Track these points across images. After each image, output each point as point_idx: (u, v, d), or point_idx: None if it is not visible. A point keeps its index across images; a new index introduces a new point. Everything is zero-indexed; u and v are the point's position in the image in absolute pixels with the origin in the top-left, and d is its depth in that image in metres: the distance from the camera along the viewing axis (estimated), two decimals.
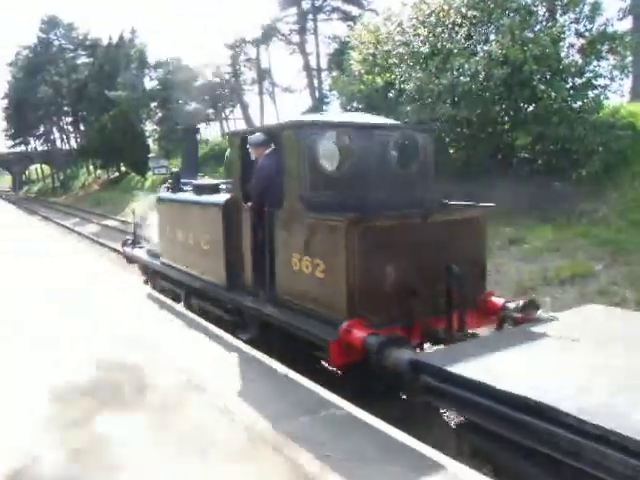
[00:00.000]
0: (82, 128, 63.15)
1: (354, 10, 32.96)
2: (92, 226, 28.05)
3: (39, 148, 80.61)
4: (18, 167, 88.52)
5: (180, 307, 8.25)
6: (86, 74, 55.50)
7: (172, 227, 8.83)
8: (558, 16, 14.61)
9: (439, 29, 15.44)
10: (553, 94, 13.61)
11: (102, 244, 20.21)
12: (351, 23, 28.99)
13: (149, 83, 46.05)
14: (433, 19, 15.66)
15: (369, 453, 3.66)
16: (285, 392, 4.76)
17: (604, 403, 3.23)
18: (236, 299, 6.82)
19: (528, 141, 13.97)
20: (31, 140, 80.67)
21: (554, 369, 3.96)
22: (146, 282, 10.58)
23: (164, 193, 9.69)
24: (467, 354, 4.32)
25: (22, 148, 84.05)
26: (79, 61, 63.32)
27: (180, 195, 8.96)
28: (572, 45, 14.61)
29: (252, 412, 4.35)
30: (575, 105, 14.23)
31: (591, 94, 14.22)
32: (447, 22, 15.37)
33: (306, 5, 33.33)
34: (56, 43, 63.22)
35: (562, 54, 14.19)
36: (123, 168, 49.11)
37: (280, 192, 6.01)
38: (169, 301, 8.57)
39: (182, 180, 9.40)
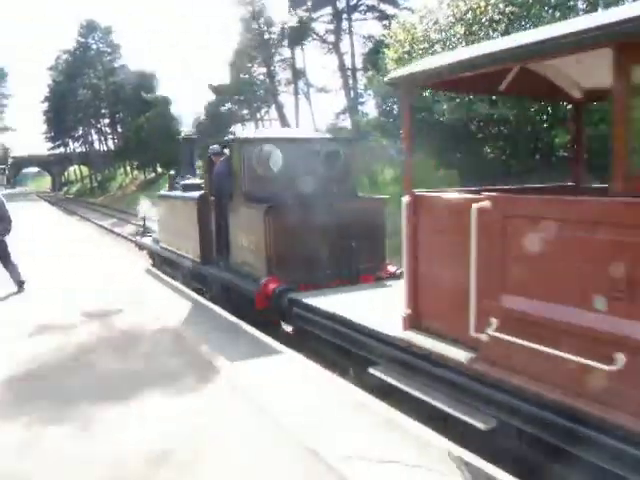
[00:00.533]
0: (119, 130, 64.26)
1: (389, 9, 32.81)
2: (129, 226, 28.44)
3: (77, 150, 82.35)
4: (57, 168, 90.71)
5: (167, 278, 10.82)
6: (123, 76, 56.45)
7: (166, 218, 11.36)
8: (600, 10, 14.25)
9: (476, 26, 15.21)
10: None
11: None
12: (386, 22, 28.88)
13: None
14: (470, 16, 15.42)
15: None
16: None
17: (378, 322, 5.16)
18: (205, 269, 9.23)
19: (567, 139, 13.65)
20: (70, 142, 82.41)
21: (367, 303, 6.02)
22: (153, 265, 12.69)
23: (163, 191, 12.34)
24: (324, 295, 6.55)
25: (61, 150, 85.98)
26: (116, 64, 64.45)
27: (172, 192, 11.28)
28: None
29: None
30: None
31: None
32: (484, 19, 15.12)
33: (341, 4, 33.28)
34: (94, 47, 64.44)
35: None
36: (159, 169, 49.80)
37: (231, 188, 8.21)
38: (160, 274, 11.22)
39: (177, 181, 11.51)
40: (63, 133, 76.99)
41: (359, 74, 34.32)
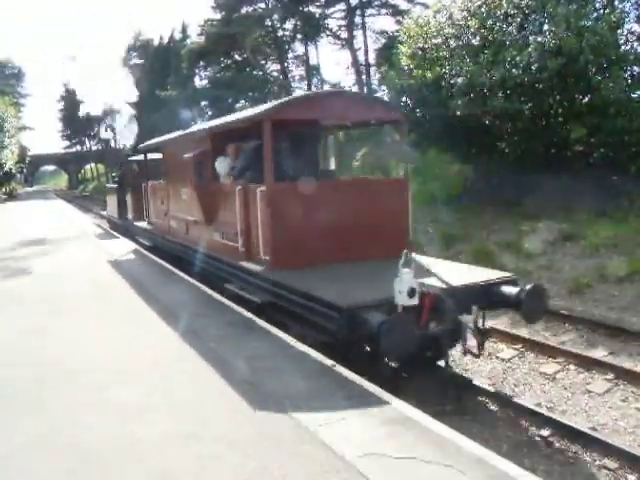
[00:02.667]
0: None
1: (403, 4, 32.69)
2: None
3: (93, 148, 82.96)
4: (74, 167, 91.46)
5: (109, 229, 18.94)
6: (137, 75, 56.78)
7: (108, 197, 21.22)
8: (617, 2, 14.11)
9: (490, 20, 15.14)
10: (610, 84, 13.15)
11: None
12: (400, 18, 28.78)
13: (199, 82, 46.77)
14: (484, 10, 15.36)
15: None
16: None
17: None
18: (120, 221, 17.97)
19: (583, 134, 13.54)
20: (86, 140, 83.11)
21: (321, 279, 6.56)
22: (111, 228, 19.65)
23: (108, 185, 22.12)
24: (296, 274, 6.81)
25: (77, 148, 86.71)
26: (131, 62, 64.84)
27: (109, 185, 21.13)
28: (632, 32, 14.07)
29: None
30: (634, 95, 13.74)
31: None
32: (499, 13, 15.05)
33: (354, 1, 33.21)
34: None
35: (621, 42, 13.70)
36: None
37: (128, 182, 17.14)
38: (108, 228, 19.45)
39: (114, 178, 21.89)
40: (79, 131, 77.67)
41: (372, 70, 34.29)
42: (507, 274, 6.84)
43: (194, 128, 11.31)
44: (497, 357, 8.09)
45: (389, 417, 3.97)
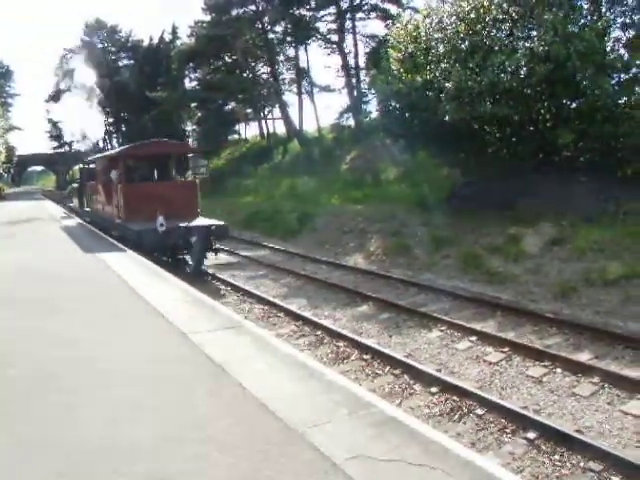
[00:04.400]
0: (123, 129, 64.37)
1: (393, 8, 32.77)
2: None
3: (82, 149, 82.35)
4: (62, 167, 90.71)
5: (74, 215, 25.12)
6: (127, 75, 56.55)
7: (74, 194, 28.69)
8: (604, 9, 14.27)
9: (479, 26, 15.24)
10: (597, 90, 13.29)
11: None
12: (390, 22, 28.86)
13: (189, 83, 46.71)
14: (473, 15, 15.46)
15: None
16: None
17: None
18: (81, 210, 24.39)
19: (571, 139, 13.68)
20: (73, 142, 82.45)
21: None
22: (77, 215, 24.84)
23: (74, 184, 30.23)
24: (132, 223, 14.52)
25: (66, 148, 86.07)
26: (121, 63, 64.53)
27: (74, 184, 29.83)
28: (618, 39, 14.25)
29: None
30: (620, 101, 13.89)
31: (638, 89, 13.85)
32: (488, 18, 15.16)
33: (344, 4, 33.27)
34: (99, 46, 64.52)
35: (607, 49, 13.85)
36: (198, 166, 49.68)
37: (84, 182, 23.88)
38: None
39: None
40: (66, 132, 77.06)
41: (362, 73, 34.39)
42: (222, 222, 15.12)
43: (106, 153, 21.87)
44: (484, 360, 8.15)
45: (377, 419, 4.00)
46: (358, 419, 3.96)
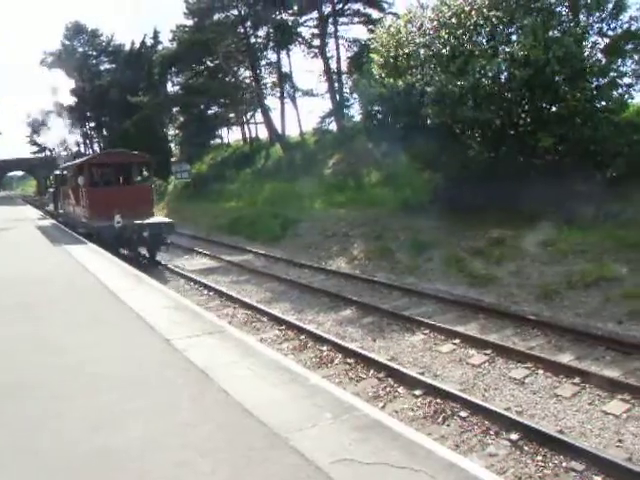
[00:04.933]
0: (105, 133, 63.88)
1: (375, 13, 32.90)
2: None
3: (63, 153, 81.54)
4: (43, 172, 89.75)
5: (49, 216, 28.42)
6: (108, 80, 56.14)
7: (50, 198, 29.33)
8: (582, 16, 14.46)
9: (460, 31, 15.36)
10: (576, 95, 13.45)
11: None
12: (372, 26, 28.97)
13: (171, 88, 46.45)
14: (454, 21, 15.58)
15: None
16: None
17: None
18: (55, 212, 26.01)
19: (551, 142, 13.82)
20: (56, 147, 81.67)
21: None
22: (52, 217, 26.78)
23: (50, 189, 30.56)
24: (96, 220, 17.00)
25: (47, 153, 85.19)
26: (102, 67, 64.04)
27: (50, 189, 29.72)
28: (596, 44, 14.44)
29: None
30: (599, 105, 14.08)
31: (615, 94, 14.05)
32: (468, 23, 15.28)
33: (326, 9, 33.32)
34: (80, 50, 63.96)
35: (585, 54, 14.03)
36: (145, 172, 49.46)
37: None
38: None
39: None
40: (47, 136, 76.27)
41: (345, 77, 34.44)
42: (170, 220, 18.07)
43: (74, 162, 21.87)
44: (467, 363, 8.19)
45: (361, 423, 4.01)
46: (342, 423, 3.96)
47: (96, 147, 68.81)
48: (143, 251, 17.51)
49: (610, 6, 14.07)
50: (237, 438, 3.79)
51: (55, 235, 17.90)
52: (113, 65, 60.91)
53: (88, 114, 64.60)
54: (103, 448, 3.70)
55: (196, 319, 6.91)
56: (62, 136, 52.98)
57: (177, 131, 47.43)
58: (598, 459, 5.34)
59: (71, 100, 55.56)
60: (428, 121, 15.25)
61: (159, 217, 18.44)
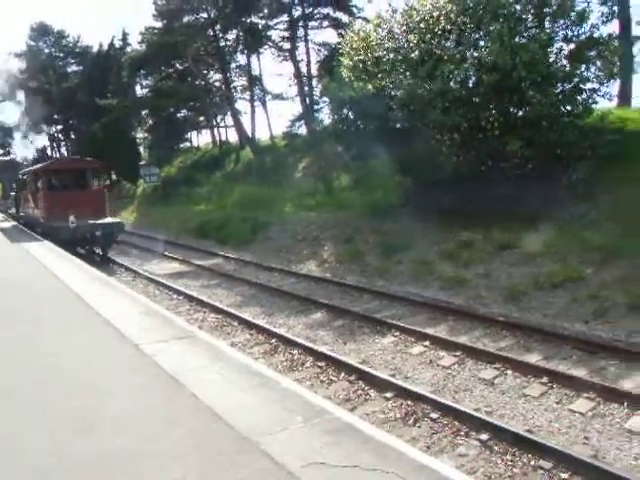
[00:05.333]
0: (72, 136, 62.86)
1: (345, 17, 32.99)
2: None
3: (29, 157, 80.00)
4: (7, 175, 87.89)
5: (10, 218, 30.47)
6: (76, 82, 55.28)
7: (12, 202, 31.41)
8: (547, 23, 14.72)
9: (429, 35, 15.50)
10: (542, 99, 13.68)
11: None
12: (342, 30, 29.06)
13: (140, 91, 45.96)
14: (423, 25, 15.71)
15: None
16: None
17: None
18: (16, 214, 28.30)
19: (518, 146, 14.02)
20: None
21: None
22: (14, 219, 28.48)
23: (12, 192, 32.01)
24: (52, 221, 18.72)
25: (12, 156, 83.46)
26: (69, 69, 62.97)
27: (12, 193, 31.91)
28: (560, 51, 14.71)
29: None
30: (564, 110, 14.34)
31: (580, 99, 14.33)
32: (437, 29, 15.42)
33: (296, 13, 33.34)
34: (46, 51, 62.82)
35: (551, 60, 14.28)
36: (114, 176, 48.94)
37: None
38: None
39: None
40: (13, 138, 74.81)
41: (315, 81, 34.47)
42: (119, 220, 20.72)
43: (33, 167, 23.67)
44: (438, 364, 8.26)
45: (332, 426, 4.01)
46: (313, 426, 3.96)
47: (64, 150, 67.68)
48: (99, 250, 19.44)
49: (574, 14, 14.36)
50: (207, 443, 3.76)
51: (14, 235, 20.47)
52: (81, 67, 59.96)
53: (55, 116, 63.49)
54: (72, 457, 3.64)
55: (166, 324, 6.84)
56: (27, 140, 52.02)
57: (146, 134, 46.93)
58: (565, 457, 5.43)
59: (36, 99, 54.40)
60: (398, 125, 15.34)
61: (110, 218, 19.90)
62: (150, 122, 44.66)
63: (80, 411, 4.29)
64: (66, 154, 64.59)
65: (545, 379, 7.37)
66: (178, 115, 43.37)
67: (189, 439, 3.82)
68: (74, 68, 62.70)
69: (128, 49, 48.00)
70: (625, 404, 6.57)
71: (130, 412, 4.28)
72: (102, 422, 4.12)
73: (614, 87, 15.43)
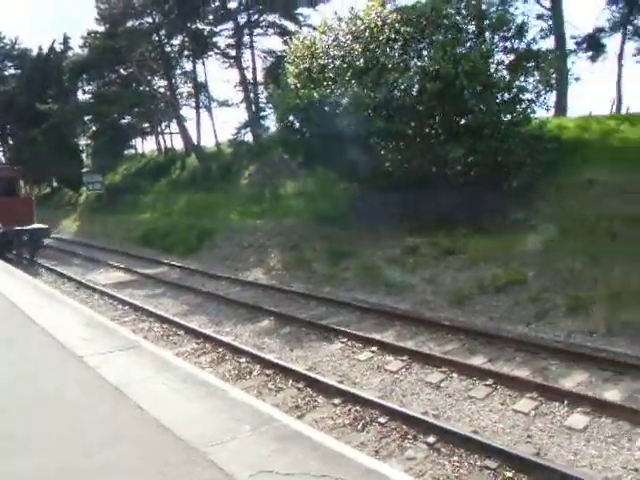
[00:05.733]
0: (10, 142, 60.82)
1: (290, 25, 33.10)
2: None
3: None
4: None
5: None
6: (13, 86, 53.54)
7: None
8: (487, 34, 15.15)
9: (373, 44, 15.69)
10: (484, 108, 14.04)
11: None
12: (287, 38, 29.15)
13: (82, 96, 44.86)
14: (368, 34, 15.91)
15: None
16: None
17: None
18: None
19: (461, 154, 14.32)
20: None
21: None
22: None
23: None
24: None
25: None
26: (6, 72, 60.98)
27: None
28: (501, 62, 15.19)
29: None
30: (505, 119, 14.76)
31: (519, 108, 14.78)
32: (381, 37, 15.64)
33: (242, 20, 33.23)
34: None
35: (491, 70, 14.70)
36: (55, 184, 47.55)
37: None
38: None
39: None
40: None
41: (261, 88, 34.43)
42: (46, 226, 20.89)
43: None
44: (385, 369, 8.32)
45: (280, 434, 3.98)
46: (261, 435, 3.91)
47: (1, 156, 65.33)
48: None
49: (513, 27, 14.87)
50: (153, 454, 3.66)
51: None
52: (19, 70, 58.12)
53: None
54: (12, 475, 3.49)
55: (110, 335, 6.65)
56: None
57: (89, 141, 45.80)
58: (509, 456, 5.55)
59: None
60: (343, 132, 15.44)
61: (37, 225, 20.72)
62: (93, 128, 43.60)
63: (14, 427, 4.13)
64: (3, 160, 62.43)
65: (490, 381, 7.52)
66: (122, 121, 42.47)
67: (135, 451, 3.72)
68: (12, 71, 60.75)
69: (70, 53, 46.82)
70: (565, 402, 6.78)
71: (72, 426, 4.14)
72: (40, 437, 3.97)
73: (551, 98, 16.04)
